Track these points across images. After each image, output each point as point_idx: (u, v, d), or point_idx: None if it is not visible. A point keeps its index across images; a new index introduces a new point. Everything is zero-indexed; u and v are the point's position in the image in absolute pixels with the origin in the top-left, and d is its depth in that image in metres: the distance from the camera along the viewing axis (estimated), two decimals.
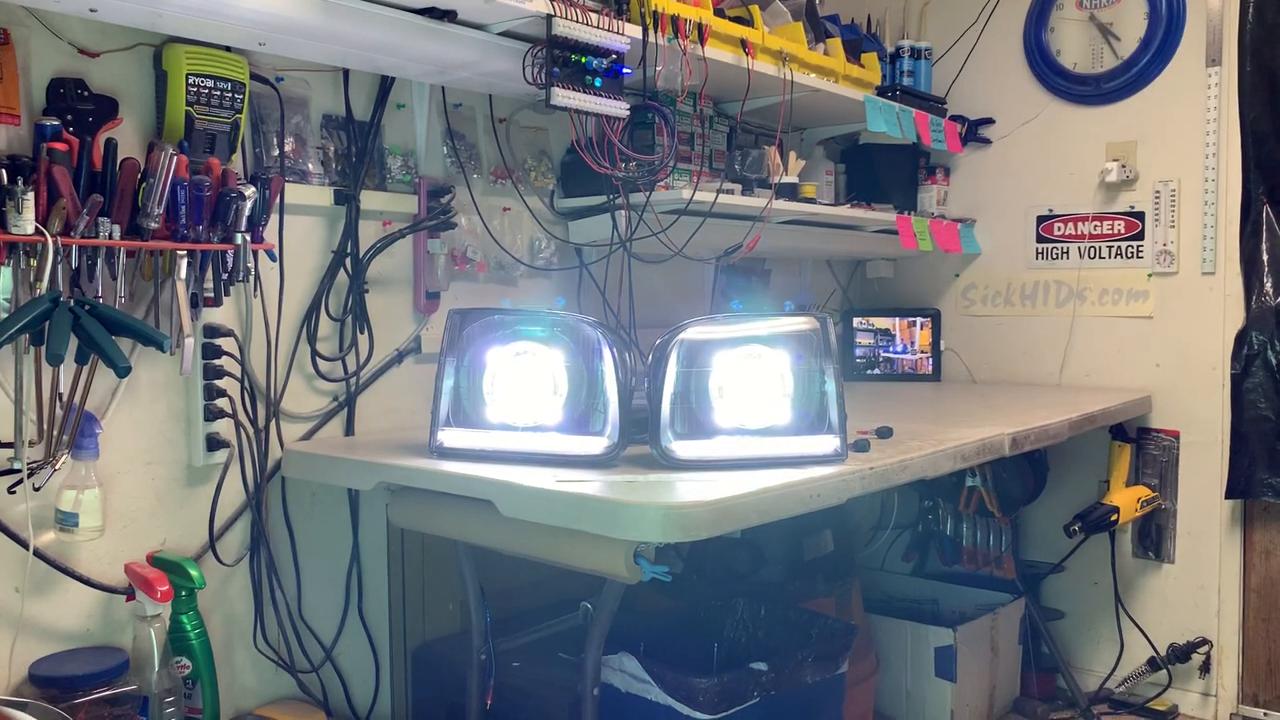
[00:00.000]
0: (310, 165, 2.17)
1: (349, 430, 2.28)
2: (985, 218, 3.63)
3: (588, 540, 1.67)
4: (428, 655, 2.31)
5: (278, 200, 2.06)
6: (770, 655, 2.15)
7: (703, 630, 2.44)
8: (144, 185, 1.77)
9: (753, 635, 2.44)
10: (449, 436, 1.96)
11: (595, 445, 1.89)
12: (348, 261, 2.22)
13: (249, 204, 1.89)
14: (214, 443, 2.01)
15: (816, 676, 2.20)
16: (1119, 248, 3.36)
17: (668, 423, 1.89)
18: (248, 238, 1.92)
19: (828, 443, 1.96)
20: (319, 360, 2.20)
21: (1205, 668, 3.21)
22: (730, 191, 2.65)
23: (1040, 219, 3.52)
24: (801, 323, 2.02)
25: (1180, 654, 3.22)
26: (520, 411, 1.98)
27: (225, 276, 1.93)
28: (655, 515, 1.57)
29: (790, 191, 2.89)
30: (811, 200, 2.96)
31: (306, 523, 2.21)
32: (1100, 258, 3.40)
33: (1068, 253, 3.46)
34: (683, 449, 1.89)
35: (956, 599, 3.37)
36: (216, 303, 1.95)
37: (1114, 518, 3.10)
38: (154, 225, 1.78)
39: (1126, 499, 3.16)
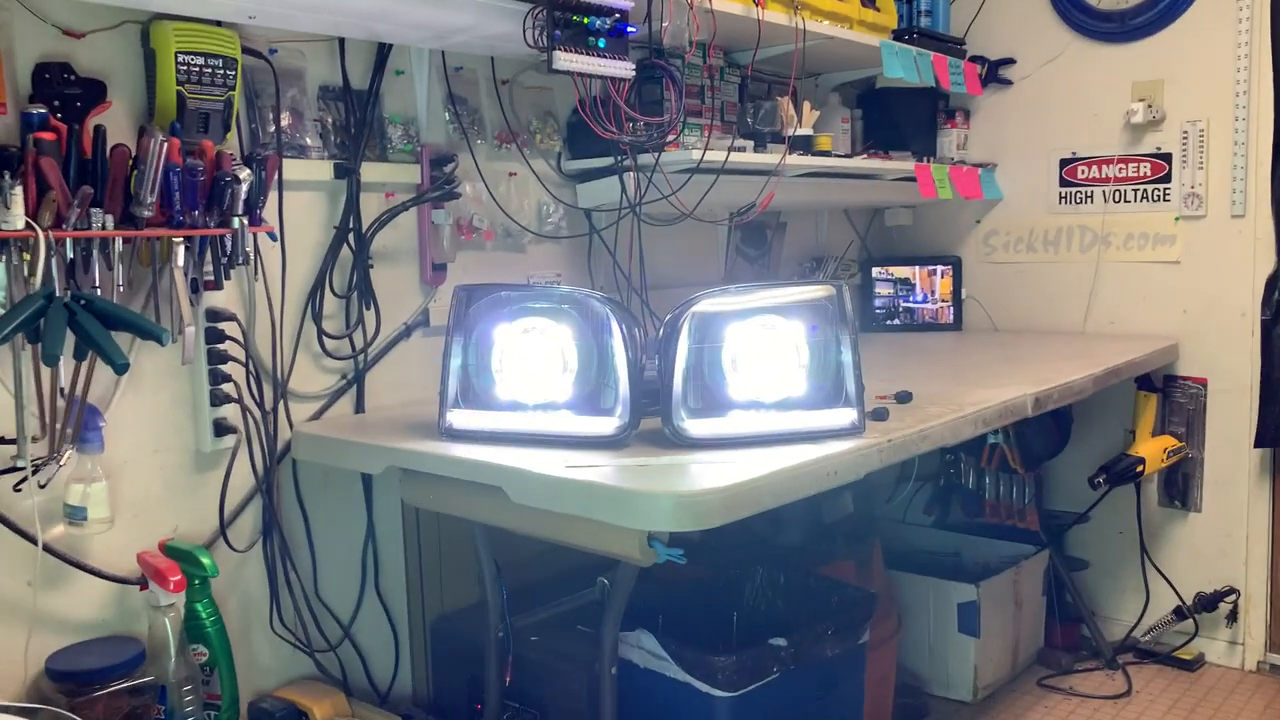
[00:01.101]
0: (308, 139, 2.11)
1: (359, 407, 2.25)
2: (1007, 162, 3.53)
3: (600, 525, 1.64)
4: (446, 629, 2.31)
5: (275, 178, 2.00)
6: (790, 628, 2.13)
7: (721, 599, 2.42)
8: (135, 173, 1.72)
9: (772, 604, 2.42)
10: (458, 417, 1.92)
11: (606, 425, 1.85)
12: (351, 237, 2.18)
13: (244, 187, 1.84)
14: (221, 428, 1.99)
15: (837, 648, 2.18)
16: (1145, 191, 3.26)
17: (680, 400, 1.85)
18: (245, 221, 1.87)
19: (845, 415, 1.91)
20: (325, 339, 2.16)
21: (1232, 616, 3.18)
22: (742, 149, 2.58)
23: (1064, 162, 3.42)
24: (817, 291, 1.97)
25: (1207, 603, 3.19)
26: (530, 389, 1.94)
27: (225, 260, 1.89)
28: (666, 504, 1.54)
29: (805, 145, 2.81)
30: (827, 154, 2.88)
31: (320, 503, 2.19)
32: (1125, 201, 3.30)
33: (1092, 197, 3.37)
34: (696, 427, 1.85)
35: (979, 551, 3.34)
36: (217, 286, 1.91)
37: (1139, 469, 3.06)
38: (148, 213, 1.74)
39: (1152, 449, 3.11)
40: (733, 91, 2.83)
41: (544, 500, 1.66)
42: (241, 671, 1.98)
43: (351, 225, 2.17)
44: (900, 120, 3.45)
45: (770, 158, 2.63)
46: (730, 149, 2.50)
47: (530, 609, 2.24)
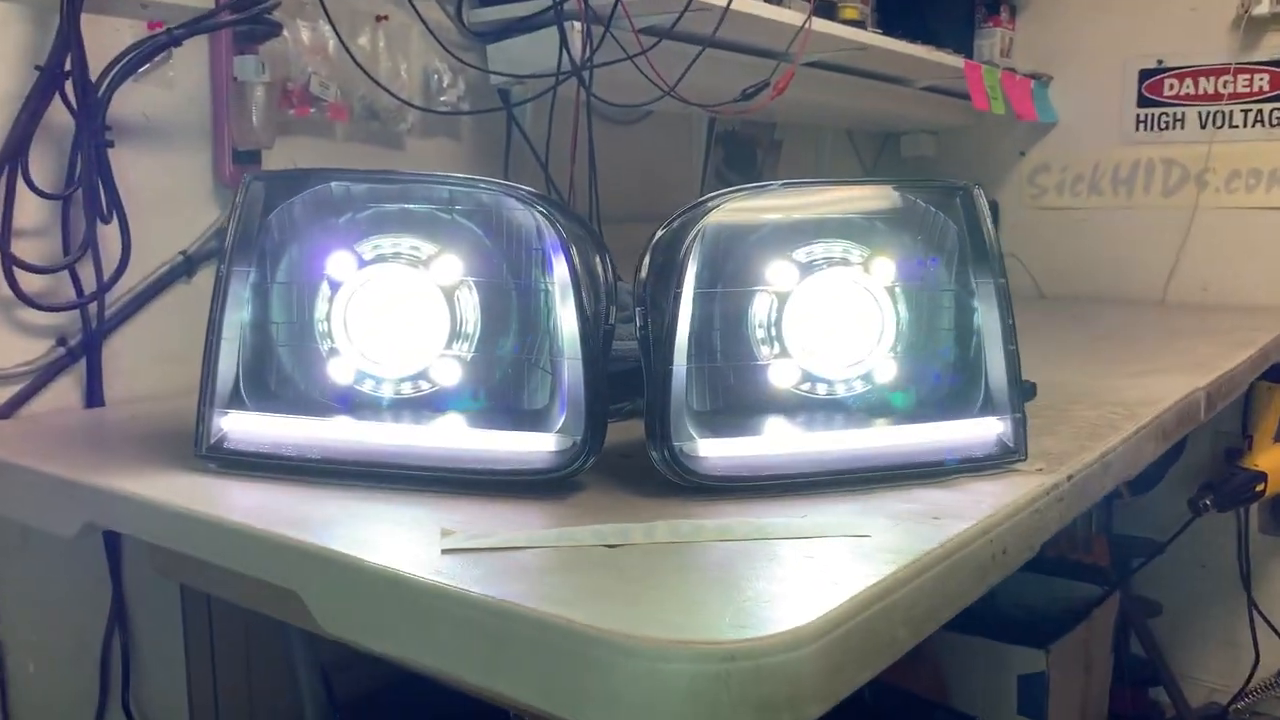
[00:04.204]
0: None
1: (92, 398, 1.28)
2: (1065, 74, 2.66)
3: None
4: None
5: None
6: None
7: None
8: None
9: None
10: (238, 423, 0.97)
11: (537, 444, 0.92)
12: (70, 89, 1.20)
13: None
14: None
15: None
16: (1261, 113, 2.43)
17: (681, 396, 0.93)
18: None
19: (984, 427, 1.01)
20: (17, 271, 1.18)
21: None
22: None
23: (1144, 74, 2.56)
24: (923, 194, 1.07)
25: None
26: (388, 369, 1.01)
27: None
28: (679, 689, 0.60)
29: (827, 10, 1.90)
30: (858, 24, 1.96)
31: (15, 565, 1.22)
32: (1232, 126, 2.46)
33: (1183, 120, 2.52)
34: (711, 450, 0.93)
35: (1030, 592, 2.49)
36: None
37: (1259, 487, 2.23)
38: None
39: (1275, 461, 2.28)
40: None
41: (386, 637, 0.72)
42: None
43: (69, 69, 1.19)
44: (928, 13, 2.56)
45: (788, 15, 1.70)
46: None
47: None
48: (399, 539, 0.77)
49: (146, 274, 1.32)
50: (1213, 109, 2.48)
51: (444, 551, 0.73)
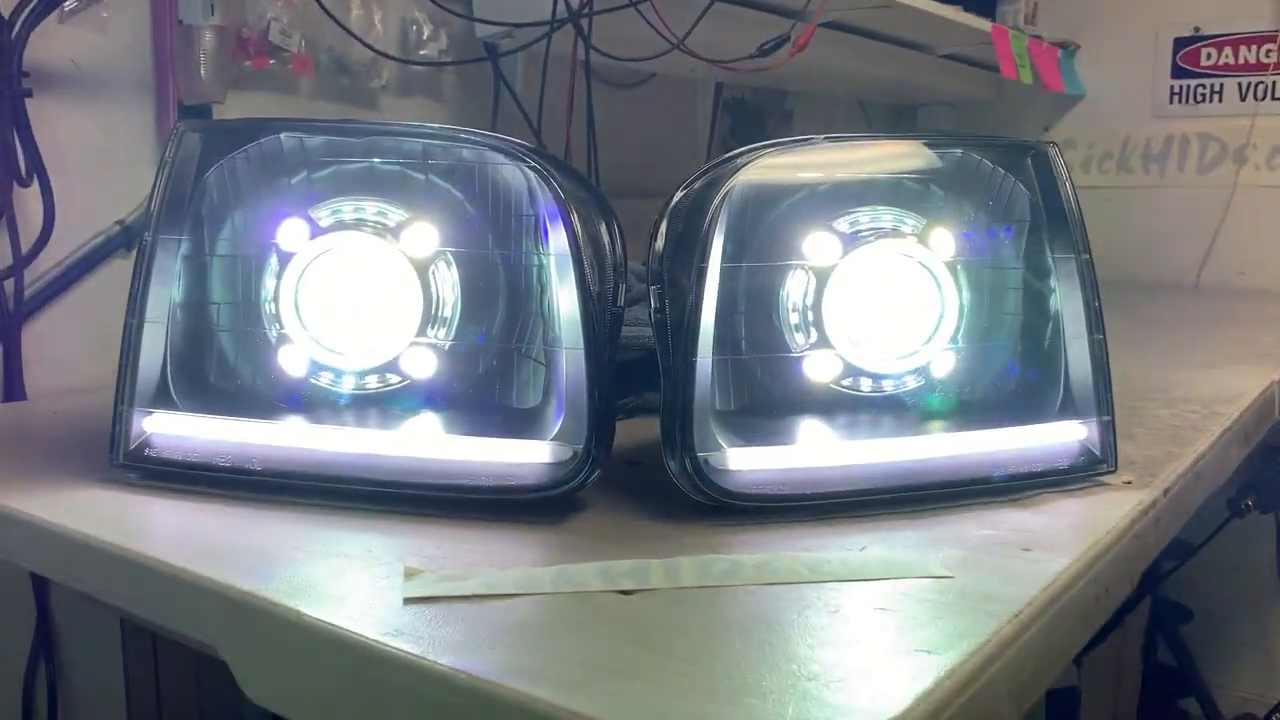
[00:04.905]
0: None
1: (11, 390, 1.10)
2: (1092, 43, 2.50)
3: None
4: None
5: None
6: None
7: None
8: None
9: None
10: (165, 425, 0.80)
11: (527, 453, 0.75)
12: None
13: None
14: None
15: None
16: None
17: (707, 397, 0.75)
18: None
19: (1062, 432, 0.85)
20: None
21: None
22: None
23: (1180, 43, 2.39)
24: (989, 154, 0.90)
25: None
26: (349, 359, 0.84)
27: None
28: None
29: None
30: None
31: None
32: (1276, 99, 2.30)
33: (1221, 92, 2.36)
34: (742, 461, 0.76)
35: None
36: None
37: None
38: None
39: None
40: None
41: (327, 715, 0.55)
42: None
43: None
44: None
45: None
46: None
47: None
48: (350, 582, 0.60)
49: (76, 246, 1.14)
50: (1255, 80, 2.31)
51: (407, 601, 0.56)
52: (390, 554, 0.64)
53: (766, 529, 0.71)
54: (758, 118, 2.16)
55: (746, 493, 0.72)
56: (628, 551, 0.65)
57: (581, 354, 0.71)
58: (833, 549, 0.67)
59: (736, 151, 0.81)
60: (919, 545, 0.68)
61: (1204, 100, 2.38)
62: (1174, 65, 2.41)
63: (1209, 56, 2.36)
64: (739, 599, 0.59)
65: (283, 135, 0.85)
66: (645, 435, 0.85)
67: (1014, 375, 0.88)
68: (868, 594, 0.60)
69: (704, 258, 0.73)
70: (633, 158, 1.79)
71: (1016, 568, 0.65)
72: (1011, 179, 0.89)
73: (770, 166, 0.79)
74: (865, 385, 0.89)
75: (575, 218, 0.73)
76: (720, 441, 0.74)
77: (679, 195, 0.79)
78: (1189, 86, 2.39)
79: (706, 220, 0.74)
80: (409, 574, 0.60)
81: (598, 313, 0.72)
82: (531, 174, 0.76)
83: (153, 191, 0.82)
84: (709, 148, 2.04)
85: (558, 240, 0.74)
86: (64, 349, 1.14)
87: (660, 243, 0.77)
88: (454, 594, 0.57)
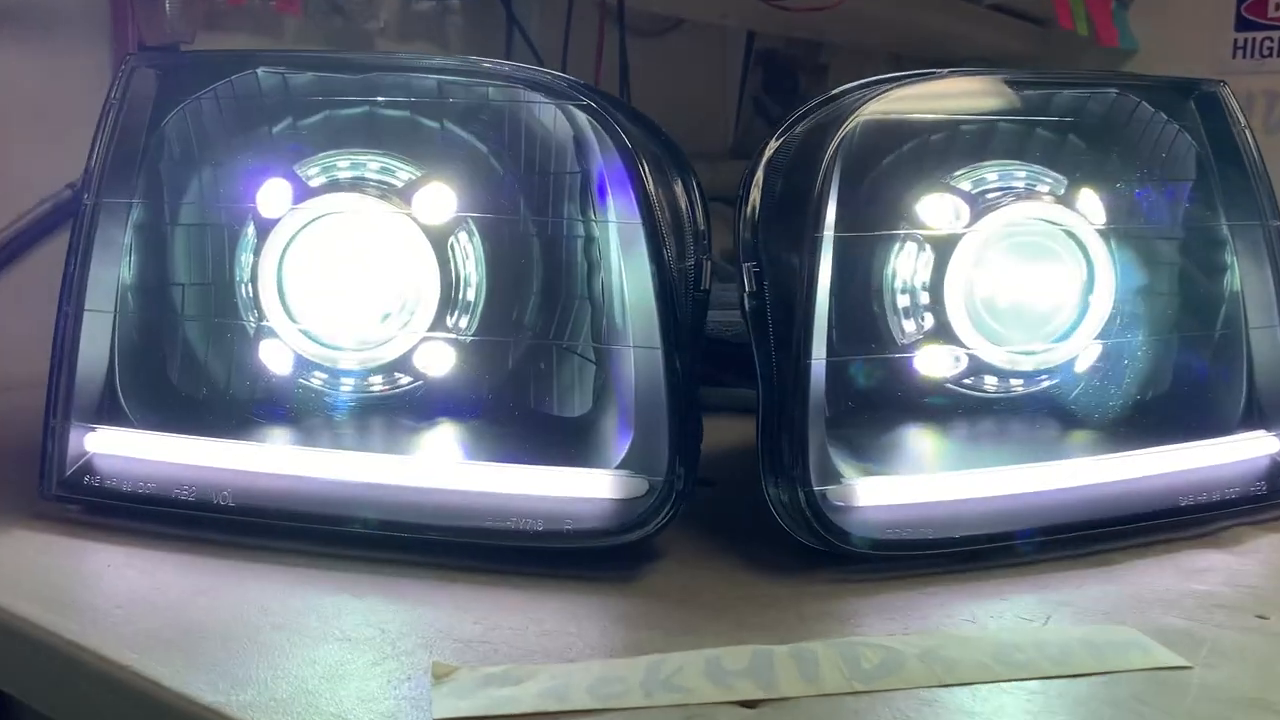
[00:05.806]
0: None
1: None
2: None
3: None
4: None
5: None
6: None
7: None
8: None
9: None
10: (112, 444, 0.62)
11: (585, 485, 0.56)
12: None
13: None
14: None
15: None
16: None
17: (821, 410, 0.57)
18: None
19: (1248, 446, 0.67)
20: None
21: None
22: None
23: None
24: (1144, 94, 0.72)
25: None
26: (347, 356, 0.67)
27: None
28: None
29: None
30: None
31: None
32: None
33: None
34: (873, 494, 0.57)
35: None
36: None
37: None
38: None
39: None
40: None
41: None
42: None
43: None
44: None
45: None
46: None
47: None
48: (354, 689, 0.42)
49: (17, 215, 0.95)
50: None
51: None
52: (409, 632, 0.47)
53: (900, 585, 0.54)
54: (790, 72, 1.96)
55: (882, 539, 0.54)
56: (731, 628, 0.48)
57: (659, 355, 0.53)
58: (1005, 618, 0.50)
59: (844, 88, 0.63)
60: (1115, 609, 0.51)
61: (1271, 54, 2.19)
62: (1238, 16, 2.21)
63: (1279, 5, 2.17)
64: (906, 713, 0.41)
65: (261, 71, 0.66)
66: (711, 439, 0.67)
67: (1184, 373, 0.70)
68: (1082, 698, 0.43)
69: (818, 225, 0.55)
70: (656, 115, 1.60)
71: (1258, 646, 0.47)
72: (1174, 127, 0.71)
73: (899, 101, 0.61)
74: (990, 384, 0.72)
75: (647, 173, 0.54)
76: (839, 469, 0.56)
77: (774, 144, 0.61)
78: (1254, 39, 2.20)
79: (820, 175, 0.56)
80: (439, 673, 0.42)
81: (680, 299, 0.54)
82: (585, 117, 0.58)
83: (94, 142, 0.65)
84: (739, 105, 1.85)
85: (622, 204, 0.56)
86: (3, 336, 0.96)
87: (752, 207, 0.59)
88: (508, 712, 0.39)
